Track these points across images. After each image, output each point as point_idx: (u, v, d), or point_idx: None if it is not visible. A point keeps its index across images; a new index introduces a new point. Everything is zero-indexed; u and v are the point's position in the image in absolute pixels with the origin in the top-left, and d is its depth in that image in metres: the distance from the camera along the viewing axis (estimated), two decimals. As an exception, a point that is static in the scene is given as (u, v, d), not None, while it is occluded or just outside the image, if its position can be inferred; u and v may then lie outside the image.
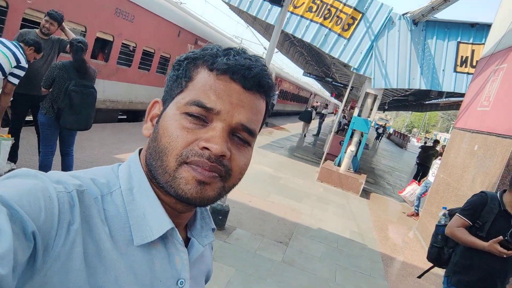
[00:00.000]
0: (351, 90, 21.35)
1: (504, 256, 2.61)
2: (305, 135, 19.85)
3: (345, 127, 16.70)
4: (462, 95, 9.99)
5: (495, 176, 5.12)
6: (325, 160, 10.66)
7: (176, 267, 0.69)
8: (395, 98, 21.36)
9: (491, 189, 5.03)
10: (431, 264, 3.24)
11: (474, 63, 9.27)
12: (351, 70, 10.22)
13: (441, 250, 3.14)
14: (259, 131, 0.72)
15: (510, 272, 2.81)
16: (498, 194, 2.90)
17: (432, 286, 5.22)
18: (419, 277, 3.47)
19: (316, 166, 11.41)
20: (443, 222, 3.15)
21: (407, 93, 16.93)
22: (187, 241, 0.76)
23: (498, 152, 5.29)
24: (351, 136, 10.05)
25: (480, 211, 2.85)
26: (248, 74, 0.65)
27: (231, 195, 5.50)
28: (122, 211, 0.65)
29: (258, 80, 0.66)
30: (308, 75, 21.59)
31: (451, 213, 3.17)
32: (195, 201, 0.65)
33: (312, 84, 49.33)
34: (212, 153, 0.63)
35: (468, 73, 9.39)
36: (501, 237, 2.62)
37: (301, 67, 25.59)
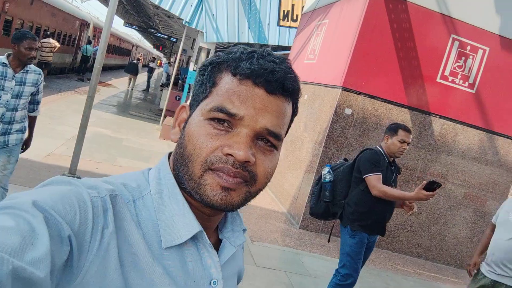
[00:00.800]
0: (175, 42, 21.07)
1: (431, 198, 2.96)
2: (132, 89, 19.01)
3: (179, 81, 16.61)
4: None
5: (325, 121, 5.88)
6: (165, 116, 10.56)
7: (209, 268, 0.70)
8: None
9: (323, 133, 5.79)
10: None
11: (294, 17, 10.13)
12: (183, 23, 10.11)
13: (329, 204, 3.48)
14: (286, 134, 0.72)
15: (392, 214, 3.44)
16: (380, 149, 3.38)
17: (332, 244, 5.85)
18: (329, 241, 3.83)
19: (155, 123, 11.23)
20: (328, 179, 3.49)
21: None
22: (219, 243, 0.77)
23: (326, 100, 6.05)
24: (188, 91, 10.10)
25: (379, 164, 3.30)
26: (271, 78, 0.65)
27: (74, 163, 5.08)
28: (153, 215, 0.66)
29: (282, 83, 0.66)
30: (129, 25, 20.50)
31: (334, 169, 3.55)
32: (221, 207, 0.65)
33: (133, 35, 47.05)
34: (236, 160, 0.63)
35: (290, 27, 10.24)
36: (425, 182, 2.93)
37: (120, 17, 24.11)
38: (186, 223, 0.67)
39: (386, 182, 3.29)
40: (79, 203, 0.58)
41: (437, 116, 5.75)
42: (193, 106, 0.71)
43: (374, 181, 3.22)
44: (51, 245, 0.51)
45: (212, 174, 0.64)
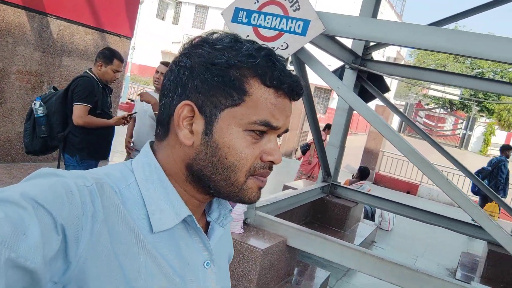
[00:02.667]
0: None
1: (123, 125, 3.63)
2: None
3: None
4: None
5: None
6: None
7: (200, 250, 0.73)
8: None
9: None
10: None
11: None
12: None
13: (48, 138, 3.31)
14: None
15: (113, 137, 3.68)
16: (91, 73, 3.39)
17: None
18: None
19: None
20: (41, 113, 3.25)
21: None
22: (207, 225, 0.80)
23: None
24: None
25: (93, 93, 3.28)
26: (300, 91, 0.72)
27: None
28: (140, 202, 0.68)
29: (302, 93, 0.74)
30: None
31: (44, 101, 3.31)
32: (254, 202, 0.73)
33: None
34: (275, 164, 0.72)
35: None
36: (125, 114, 3.58)
37: None
38: (175, 208, 0.69)
39: (104, 106, 3.46)
40: (66, 193, 0.58)
41: (54, 17, 5.57)
42: (207, 109, 0.69)
43: (81, 111, 3.28)
44: (42, 235, 0.53)
45: (253, 178, 0.70)
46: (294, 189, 5.24)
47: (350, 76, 5.35)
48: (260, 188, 0.72)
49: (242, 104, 0.68)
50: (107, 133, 3.58)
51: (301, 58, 3.58)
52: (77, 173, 0.64)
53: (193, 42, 0.72)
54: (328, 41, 4.14)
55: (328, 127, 8.86)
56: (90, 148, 3.45)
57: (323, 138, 8.54)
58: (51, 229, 0.55)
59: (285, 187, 5.53)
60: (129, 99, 17.39)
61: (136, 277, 0.63)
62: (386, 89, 5.79)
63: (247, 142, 0.68)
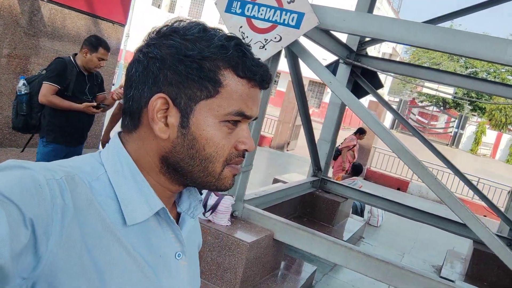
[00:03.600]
0: None
1: (93, 113, 3.48)
2: None
3: None
4: None
5: None
6: None
7: (172, 241, 0.74)
8: None
9: None
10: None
11: None
12: None
13: (28, 117, 3.33)
14: None
15: (91, 124, 3.67)
16: (71, 58, 3.37)
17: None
18: (22, 151, 3.66)
19: None
20: (23, 92, 3.29)
21: None
22: (178, 216, 0.81)
23: None
24: None
25: (64, 74, 3.27)
26: (269, 80, 0.73)
27: None
28: (111, 195, 0.67)
29: (271, 82, 0.82)
30: None
31: (29, 81, 3.31)
32: (228, 190, 0.75)
33: None
34: (248, 152, 0.75)
35: None
36: (95, 103, 3.43)
37: None
38: (148, 201, 0.69)
39: (77, 91, 3.41)
40: (35, 186, 0.57)
41: (45, 1, 5.46)
42: (181, 101, 0.68)
43: (47, 90, 3.26)
44: (10, 229, 0.52)
45: (228, 167, 0.72)
46: (284, 182, 5.22)
47: (344, 71, 5.33)
48: (234, 175, 0.74)
49: (217, 96, 0.68)
50: (78, 119, 3.48)
51: (294, 51, 3.55)
52: (45, 165, 0.62)
53: (161, 31, 0.71)
54: (323, 34, 4.11)
55: (360, 131, 8.42)
56: (57, 132, 3.40)
57: (354, 143, 8.31)
58: (19, 223, 0.53)
59: (275, 180, 5.52)
60: (122, 87, 17.24)
61: (109, 270, 0.63)
62: (379, 85, 5.77)
63: (224, 133, 0.69)
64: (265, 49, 3.41)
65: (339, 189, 5.71)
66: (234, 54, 0.68)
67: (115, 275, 0.63)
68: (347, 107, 4.85)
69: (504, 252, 2.88)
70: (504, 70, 34.04)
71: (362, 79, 5.43)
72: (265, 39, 3.41)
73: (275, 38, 3.37)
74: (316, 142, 5.28)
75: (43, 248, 0.56)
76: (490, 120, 34.53)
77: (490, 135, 31.46)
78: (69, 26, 5.87)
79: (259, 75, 0.70)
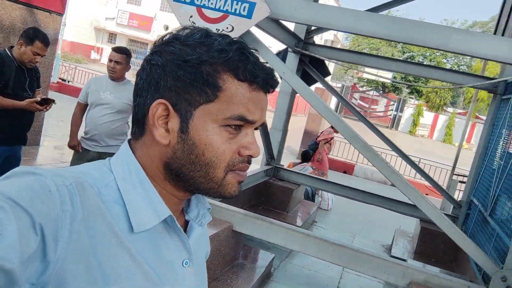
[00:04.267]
0: None
1: (44, 110, 3.28)
2: None
3: None
4: None
5: None
6: None
7: (180, 249, 0.73)
8: None
9: None
10: None
11: None
12: None
13: None
14: None
15: (31, 123, 3.45)
16: (7, 51, 3.10)
17: None
18: None
19: None
20: None
21: None
22: (186, 224, 0.80)
23: None
24: None
25: (2, 70, 3.00)
26: (274, 83, 0.71)
27: None
28: (120, 202, 0.67)
29: (277, 85, 0.73)
30: None
31: None
32: (234, 197, 0.74)
33: None
34: (252, 157, 0.72)
35: None
36: (39, 98, 3.21)
37: None
38: (155, 208, 0.69)
39: (17, 88, 3.16)
40: (45, 192, 0.57)
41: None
42: (182, 106, 0.68)
43: None
44: (19, 234, 0.52)
45: (232, 173, 0.70)
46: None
47: (292, 59, 5.37)
48: (240, 182, 0.72)
49: (216, 100, 0.67)
50: (19, 118, 3.26)
51: (246, 41, 3.52)
52: (55, 171, 0.63)
53: (164, 39, 0.71)
54: (272, 24, 4.11)
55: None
56: None
57: (332, 136, 8.27)
58: (29, 229, 0.54)
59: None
60: (60, 79, 16.41)
61: (115, 277, 0.63)
62: (327, 73, 5.88)
63: (224, 138, 0.68)
64: (217, 39, 3.36)
65: (292, 176, 5.80)
66: (235, 58, 0.67)
67: (121, 282, 0.63)
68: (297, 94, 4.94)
69: (453, 229, 3.06)
70: (439, 54, 35.90)
71: (310, 67, 5.51)
72: (217, 29, 3.36)
73: (227, 28, 3.33)
74: (268, 131, 5.31)
75: (52, 254, 0.56)
76: (427, 102, 36.44)
77: (427, 116, 33.18)
78: (3, 16, 5.48)
79: (261, 78, 0.68)
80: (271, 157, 5.60)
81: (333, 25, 3.31)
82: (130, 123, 3.83)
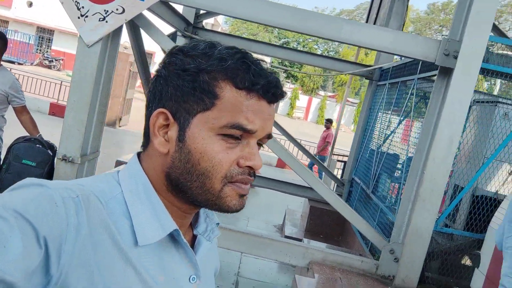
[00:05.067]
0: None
1: None
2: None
3: None
4: None
5: None
6: None
7: (186, 264, 0.72)
8: None
9: None
10: None
11: None
12: None
13: None
14: None
15: None
16: None
17: None
18: None
19: None
20: None
21: None
22: (193, 239, 0.78)
23: None
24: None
25: None
26: (276, 91, 0.68)
27: None
28: (126, 214, 0.66)
29: (282, 95, 0.70)
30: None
31: None
32: (236, 211, 0.70)
33: None
34: (254, 170, 0.68)
35: None
36: None
37: None
38: (161, 222, 0.68)
39: None
40: (51, 204, 0.57)
41: None
42: (181, 115, 0.67)
43: None
44: (23, 247, 0.52)
45: (232, 186, 0.67)
46: (129, 163, 4.93)
47: (181, 43, 5.19)
48: (242, 196, 0.69)
49: (213, 108, 0.66)
50: None
51: (138, 23, 3.28)
52: (62, 183, 0.62)
53: (171, 51, 0.71)
54: (162, 6, 3.91)
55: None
56: None
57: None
58: (33, 242, 0.53)
59: (119, 163, 5.17)
60: None
61: None
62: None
63: (221, 147, 0.66)
64: (106, 21, 3.07)
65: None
66: (234, 66, 0.65)
67: None
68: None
69: (346, 208, 3.29)
70: (311, 40, 38.15)
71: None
72: (105, 11, 3.06)
73: (117, 9, 3.05)
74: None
75: (55, 267, 0.56)
76: (302, 86, 38.68)
77: (303, 99, 35.31)
78: None
79: (261, 86, 0.65)
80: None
81: (234, 12, 3.24)
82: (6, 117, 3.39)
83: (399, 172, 4.06)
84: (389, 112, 4.65)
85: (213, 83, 0.66)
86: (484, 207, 3.72)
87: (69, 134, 3.08)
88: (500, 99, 3.88)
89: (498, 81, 7.36)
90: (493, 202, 3.74)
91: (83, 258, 0.59)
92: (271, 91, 0.67)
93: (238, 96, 0.65)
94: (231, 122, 0.65)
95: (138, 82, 12.26)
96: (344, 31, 3.06)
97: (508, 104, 3.81)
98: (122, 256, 0.63)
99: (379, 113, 5.11)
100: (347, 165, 6.05)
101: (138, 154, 0.74)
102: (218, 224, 0.81)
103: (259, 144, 0.71)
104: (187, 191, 0.68)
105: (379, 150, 4.63)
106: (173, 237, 0.69)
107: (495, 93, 7.46)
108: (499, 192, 3.85)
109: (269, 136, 0.70)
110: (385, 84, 5.00)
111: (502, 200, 3.50)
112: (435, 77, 3.17)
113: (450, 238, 3.93)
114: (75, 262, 0.58)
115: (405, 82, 4.42)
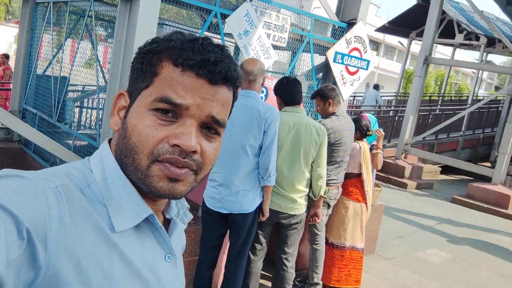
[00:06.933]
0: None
1: None
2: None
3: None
4: None
5: None
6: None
7: (162, 245, 0.73)
8: None
9: None
10: None
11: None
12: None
13: None
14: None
15: None
16: None
17: None
18: None
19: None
20: None
21: None
22: (167, 222, 0.79)
23: None
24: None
25: None
26: (214, 69, 0.66)
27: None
28: (102, 202, 0.66)
29: (225, 74, 0.67)
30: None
31: None
32: (168, 197, 0.68)
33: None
34: (183, 150, 0.65)
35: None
36: None
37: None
38: (135, 208, 0.68)
39: None
40: (31, 195, 0.57)
41: None
42: (132, 95, 0.70)
43: None
44: (6, 239, 0.51)
45: (159, 165, 0.65)
46: None
47: None
48: (170, 179, 0.66)
49: (151, 85, 0.68)
50: None
51: None
52: (40, 173, 0.63)
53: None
54: None
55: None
56: None
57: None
58: (15, 233, 0.53)
59: None
60: None
61: (106, 276, 0.63)
62: None
63: (150, 122, 0.66)
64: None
65: None
66: (178, 45, 0.67)
67: (111, 280, 0.63)
68: None
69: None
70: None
71: None
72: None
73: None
74: None
75: (42, 257, 0.56)
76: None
77: None
78: None
79: (196, 62, 0.65)
80: None
81: None
82: None
83: (92, 98, 4.07)
84: (62, 35, 4.41)
85: (156, 62, 0.67)
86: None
87: None
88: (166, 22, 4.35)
89: None
90: None
91: (69, 247, 0.59)
92: (206, 69, 0.65)
93: (173, 72, 0.66)
94: (159, 96, 0.65)
95: None
96: None
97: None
98: (105, 241, 0.64)
99: (43, 34, 4.74)
100: (13, 94, 5.42)
101: (110, 140, 0.74)
102: (188, 207, 0.81)
103: (210, 129, 0.69)
104: (126, 170, 0.68)
105: (57, 74, 4.40)
106: (148, 220, 0.71)
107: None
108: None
109: (217, 121, 0.69)
110: (48, 2, 4.61)
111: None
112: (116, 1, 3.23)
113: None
114: (62, 251, 0.58)
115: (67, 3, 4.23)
